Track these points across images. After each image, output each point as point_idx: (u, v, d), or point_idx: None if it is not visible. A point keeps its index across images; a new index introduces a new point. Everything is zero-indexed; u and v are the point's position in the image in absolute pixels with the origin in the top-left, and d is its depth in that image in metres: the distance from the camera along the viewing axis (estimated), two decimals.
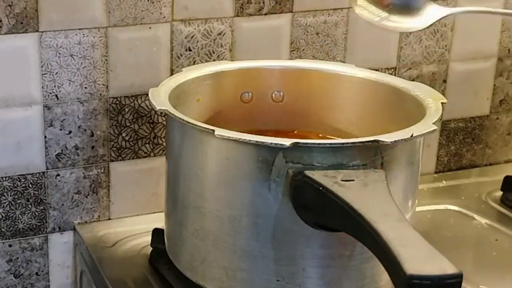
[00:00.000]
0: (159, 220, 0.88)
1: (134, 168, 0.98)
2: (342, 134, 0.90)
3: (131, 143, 0.97)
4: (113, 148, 0.97)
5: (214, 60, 0.98)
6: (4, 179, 0.93)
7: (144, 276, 0.88)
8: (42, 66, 0.91)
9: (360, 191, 0.69)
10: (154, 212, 1.00)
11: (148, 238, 0.90)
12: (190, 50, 0.97)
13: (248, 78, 0.91)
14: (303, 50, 1.02)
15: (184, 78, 0.87)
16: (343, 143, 0.73)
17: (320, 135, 0.91)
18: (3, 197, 0.94)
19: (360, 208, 0.66)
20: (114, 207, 0.99)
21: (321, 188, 0.69)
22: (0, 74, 0.90)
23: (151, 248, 0.90)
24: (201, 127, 0.75)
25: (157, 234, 0.89)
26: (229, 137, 0.73)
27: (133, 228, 0.97)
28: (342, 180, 0.70)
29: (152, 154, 0.99)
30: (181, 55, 0.96)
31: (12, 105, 0.91)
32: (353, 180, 0.70)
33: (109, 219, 0.99)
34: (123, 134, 0.97)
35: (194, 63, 0.97)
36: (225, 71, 0.90)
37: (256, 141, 0.72)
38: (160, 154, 0.99)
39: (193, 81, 0.87)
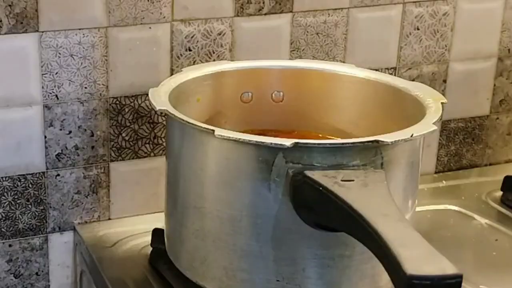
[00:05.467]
0: (159, 220, 0.88)
1: (134, 168, 0.98)
2: (342, 134, 0.89)
3: (131, 143, 0.97)
4: (113, 148, 0.97)
5: (214, 60, 0.97)
6: (4, 179, 0.93)
7: (144, 276, 0.88)
8: (42, 66, 0.91)
9: (360, 191, 0.69)
10: (154, 212, 0.99)
11: (148, 238, 0.90)
12: (190, 50, 0.97)
13: (248, 78, 0.91)
14: (303, 50, 1.02)
15: (184, 78, 0.87)
16: (343, 143, 0.73)
17: (320, 135, 0.91)
18: (3, 197, 0.94)
19: (360, 208, 0.66)
20: (114, 207, 0.99)
21: (321, 188, 0.69)
22: (0, 74, 0.90)
23: (151, 248, 0.90)
24: (201, 127, 0.75)
25: (157, 234, 0.89)
26: (229, 137, 0.73)
27: (133, 228, 0.97)
28: (342, 180, 0.70)
29: (152, 154, 0.99)
30: (181, 55, 0.96)
31: (12, 105, 0.91)
32: (353, 180, 0.70)
33: (109, 219, 0.99)
34: (123, 134, 0.97)
35: (194, 63, 0.97)
36: (225, 71, 0.90)
37: (256, 141, 0.72)
38: (160, 154, 0.99)
39: (193, 81, 0.87)
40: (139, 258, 0.91)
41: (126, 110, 0.96)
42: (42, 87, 0.92)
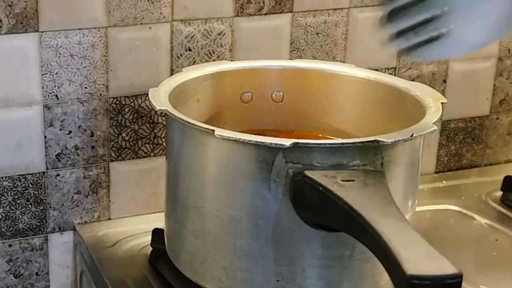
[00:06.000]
0: (159, 220, 0.88)
1: (134, 168, 0.98)
2: (342, 134, 0.89)
3: (131, 143, 0.97)
4: (113, 148, 0.97)
5: (214, 60, 0.98)
6: (4, 179, 0.93)
7: (144, 276, 0.88)
8: (42, 66, 0.91)
9: (360, 192, 0.69)
10: (154, 212, 0.99)
11: (148, 238, 0.90)
12: (190, 50, 0.97)
13: (248, 78, 0.91)
14: (303, 50, 1.02)
15: (184, 78, 0.87)
16: (343, 143, 0.73)
17: (320, 135, 0.91)
18: (3, 197, 0.94)
19: (360, 208, 0.66)
20: (114, 207, 0.99)
21: (321, 188, 0.69)
22: (0, 74, 0.90)
23: (151, 248, 0.90)
24: (201, 127, 0.75)
25: (157, 234, 0.89)
26: (229, 137, 0.73)
27: (133, 228, 0.97)
28: (342, 180, 0.70)
29: (152, 154, 0.99)
30: (181, 55, 0.96)
31: (12, 105, 0.91)
32: (353, 181, 0.70)
33: (109, 219, 0.99)
34: (123, 134, 0.97)
35: (194, 63, 0.97)
36: (225, 71, 0.90)
37: (256, 141, 0.72)
38: (160, 154, 0.99)
39: (193, 81, 0.87)
40: (139, 258, 0.91)
41: (126, 110, 0.96)
42: (42, 87, 0.92)
